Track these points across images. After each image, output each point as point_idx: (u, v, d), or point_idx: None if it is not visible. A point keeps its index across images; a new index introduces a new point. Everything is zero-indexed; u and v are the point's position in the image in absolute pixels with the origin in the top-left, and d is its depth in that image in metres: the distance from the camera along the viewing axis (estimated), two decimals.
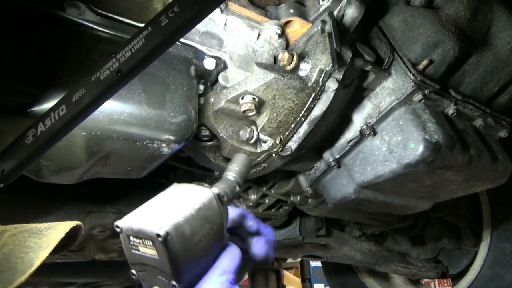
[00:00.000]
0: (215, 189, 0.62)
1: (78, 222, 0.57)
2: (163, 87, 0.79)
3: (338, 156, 1.09)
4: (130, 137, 0.77)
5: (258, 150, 0.96)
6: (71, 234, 0.55)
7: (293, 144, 0.95)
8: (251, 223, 0.70)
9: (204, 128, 0.96)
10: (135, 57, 0.49)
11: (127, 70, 0.50)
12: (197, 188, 0.63)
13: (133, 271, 0.58)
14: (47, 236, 0.53)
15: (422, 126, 0.94)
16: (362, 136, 1.03)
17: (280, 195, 1.33)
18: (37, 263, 0.49)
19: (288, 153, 0.96)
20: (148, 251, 0.55)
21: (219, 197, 0.62)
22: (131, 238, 0.55)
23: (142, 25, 0.70)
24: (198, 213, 0.58)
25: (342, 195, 1.11)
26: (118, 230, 0.55)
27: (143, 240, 0.55)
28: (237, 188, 0.66)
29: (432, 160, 0.93)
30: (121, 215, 1.14)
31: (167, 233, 0.52)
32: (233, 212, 0.69)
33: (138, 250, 0.56)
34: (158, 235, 0.52)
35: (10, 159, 0.53)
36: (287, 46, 0.93)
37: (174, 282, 0.55)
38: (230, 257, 0.60)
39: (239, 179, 0.67)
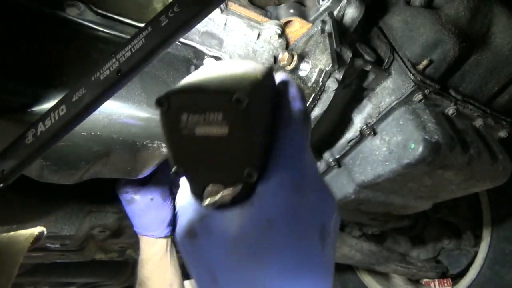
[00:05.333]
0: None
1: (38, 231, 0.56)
2: (163, 87, 0.79)
3: (338, 156, 1.09)
4: (130, 137, 0.77)
5: None
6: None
7: None
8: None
9: None
10: (135, 57, 0.49)
11: (127, 70, 0.49)
12: (248, 61, 0.50)
13: (178, 170, 0.43)
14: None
15: (422, 126, 0.94)
16: (362, 136, 1.03)
17: None
18: None
19: None
20: (212, 130, 0.41)
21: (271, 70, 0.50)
22: (184, 116, 0.40)
23: (142, 25, 0.70)
24: (262, 82, 0.45)
25: (342, 195, 1.11)
26: (163, 107, 0.39)
27: (207, 114, 0.40)
28: None
29: (432, 160, 0.93)
30: (121, 215, 1.14)
31: (248, 98, 0.38)
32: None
33: (194, 133, 0.41)
34: (238, 101, 0.38)
35: (10, 159, 0.52)
36: (287, 46, 0.93)
37: (249, 168, 0.40)
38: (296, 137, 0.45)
39: None
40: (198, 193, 0.43)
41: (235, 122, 0.39)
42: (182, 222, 0.44)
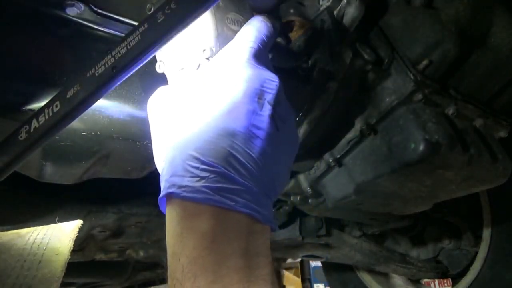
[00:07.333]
0: None
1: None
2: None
3: (338, 156, 1.09)
4: (130, 137, 0.77)
5: None
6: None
7: None
8: None
9: None
10: (131, 54, 0.49)
11: (122, 66, 0.49)
12: None
13: (160, 63, 0.57)
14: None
15: (422, 126, 0.94)
16: (362, 136, 1.03)
17: (280, 195, 1.33)
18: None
19: None
20: None
21: None
22: None
23: None
24: None
25: (342, 195, 1.11)
26: None
27: None
28: None
29: (432, 160, 0.93)
30: (121, 215, 1.14)
31: None
32: None
33: None
34: None
35: (3, 156, 0.52)
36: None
37: (206, 47, 0.50)
38: (253, 28, 0.55)
39: None
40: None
41: None
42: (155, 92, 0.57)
